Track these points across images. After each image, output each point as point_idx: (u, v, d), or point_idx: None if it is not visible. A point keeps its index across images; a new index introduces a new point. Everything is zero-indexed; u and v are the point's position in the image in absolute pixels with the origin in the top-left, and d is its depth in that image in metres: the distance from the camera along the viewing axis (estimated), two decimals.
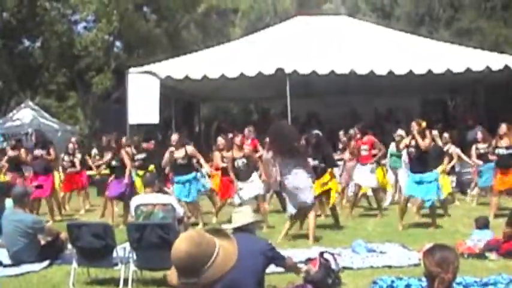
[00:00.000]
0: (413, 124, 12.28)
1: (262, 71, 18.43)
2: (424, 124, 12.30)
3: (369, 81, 19.36)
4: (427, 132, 12.48)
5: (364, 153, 14.69)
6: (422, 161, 12.18)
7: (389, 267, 8.62)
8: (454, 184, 16.96)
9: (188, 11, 33.67)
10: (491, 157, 13.91)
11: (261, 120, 26.55)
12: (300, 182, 11.05)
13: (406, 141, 12.52)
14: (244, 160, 12.90)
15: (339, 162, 15.64)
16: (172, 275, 3.46)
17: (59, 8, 30.34)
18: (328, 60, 18.78)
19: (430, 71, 18.38)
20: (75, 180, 17.04)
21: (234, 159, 12.95)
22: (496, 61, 18.78)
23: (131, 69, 19.65)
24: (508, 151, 13.21)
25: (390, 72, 18.37)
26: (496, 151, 13.48)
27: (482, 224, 10.35)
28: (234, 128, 18.84)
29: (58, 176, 16.82)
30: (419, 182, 12.09)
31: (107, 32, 29.41)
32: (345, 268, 8.54)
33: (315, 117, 23.57)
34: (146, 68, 19.59)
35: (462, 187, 17.80)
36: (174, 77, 19.01)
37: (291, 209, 11.28)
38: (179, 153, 13.38)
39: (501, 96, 25.24)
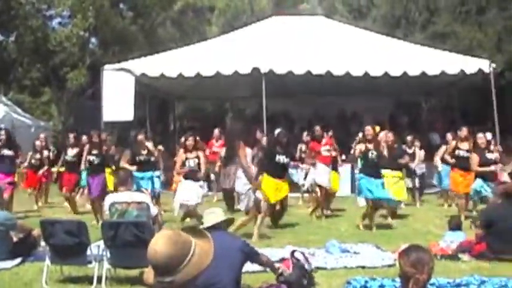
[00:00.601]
0: (368, 128, 12.45)
1: (238, 70, 18.43)
2: (377, 129, 12.48)
3: (344, 82, 19.41)
4: (379, 138, 12.80)
5: (325, 153, 14.76)
6: (378, 166, 12.48)
7: (363, 267, 8.65)
8: (417, 185, 17.07)
9: (164, 8, 33.55)
10: (449, 160, 14.06)
11: (235, 119, 26.61)
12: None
13: (362, 147, 12.62)
14: (196, 160, 12.87)
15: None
16: (148, 273, 3.45)
17: (33, 2, 30.06)
18: (304, 60, 18.81)
19: (405, 73, 18.50)
20: (37, 178, 16.89)
21: (186, 159, 12.91)
22: (470, 65, 18.93)
23: (106, 66, 19.56)
24: (468, 154, 13.33)
25: (366, 74, 18.46)
26: (456, 153, 13.60)
27: (455, 225, 10.45)
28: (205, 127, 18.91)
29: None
30: (377, 185, 12.27)
31: (82, 28, 29.22)
32: (318, 268, 8.56)
33: (289, 117, 23.67)
34: (121, 65, 19.51)
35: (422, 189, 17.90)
36: (149, 75, 18.96)
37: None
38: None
39: (475, 99, 25.51)
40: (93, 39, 32.51)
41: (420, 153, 17.21)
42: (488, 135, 15.26)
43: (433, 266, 4.04)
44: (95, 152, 13.98)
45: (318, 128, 15.30)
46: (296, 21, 23.42)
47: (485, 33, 26.78)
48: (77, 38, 29.21)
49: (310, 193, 15.65)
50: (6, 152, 14.38)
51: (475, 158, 12.89)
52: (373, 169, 12.45)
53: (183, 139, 13.81)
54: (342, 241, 10.36)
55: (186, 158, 12.83)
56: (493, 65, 18.73)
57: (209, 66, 18.71)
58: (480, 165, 12.79)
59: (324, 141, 14.88)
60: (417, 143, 17.27)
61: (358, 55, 19.34)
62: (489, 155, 13.16)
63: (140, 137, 14.25)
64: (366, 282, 7.48)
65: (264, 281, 7.14)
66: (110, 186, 13.81)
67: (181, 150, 13.13)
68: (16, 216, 10.73)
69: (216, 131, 18.16)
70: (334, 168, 14.98)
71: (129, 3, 33.39)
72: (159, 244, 3.27)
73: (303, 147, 16.86)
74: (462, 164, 13.42)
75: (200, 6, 37.67)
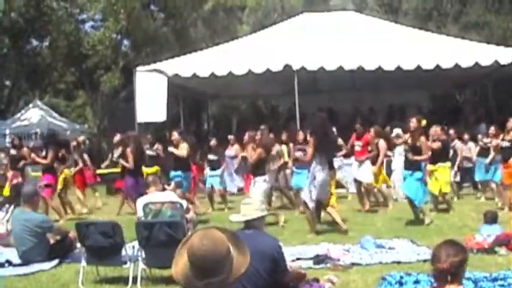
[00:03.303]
0: (414, 120, 12.27)
1: (270, 67, 18.44)
2: (424, 122, 12.31)
3: (377, 76, 19.30)
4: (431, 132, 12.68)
5: (357, 149, 14.76)
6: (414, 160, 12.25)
7: (398, 263, 8.59)
8: (458, 179, 16.86)
9: (195, 8, 33.63)
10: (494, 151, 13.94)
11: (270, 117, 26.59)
12: (322, 178, 11.14)
13: (405, 137, 12.50)
14: None
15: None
16: (180, 274, 3.38)
17: (66, 7, 30.44)
18: (336, 56, 18.75)
19: (438, 66, 18.33)
20: (76, 179, 17.00)
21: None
22: (504, 55, 18.70)
23: (139, 68, 19.71)
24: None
25: (398, 68, 18.34)
26: (504, 145, 13.49)
27: (491, 218, 10.32)
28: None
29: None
30: (418, 179, 12.16)
31: (114, 31, 29.47)
32: (353, 264, 8.55)
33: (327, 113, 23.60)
34: (154, 66, 19.63)
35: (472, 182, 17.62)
36: (181, 75, 19.05)
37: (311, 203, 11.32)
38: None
39: (509, 89, 25.16)
40: (125, 42, 32.74)
41: (470, 147, 16.94)
42: None
43: (461, 259, 4.06)
44: None
45: (358, 125, 15.38)
46: (327, 17, 23.34)
47: None
48: (110, 41, 29.47)
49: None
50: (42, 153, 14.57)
51: None
52: (409, 164, 12.31)
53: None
54: (377, 237, 10.30)
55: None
56: None
57: (241, 64, 18.74)
58: None
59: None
60: (466, 136, 17.01)
61: (390, 49, 19.22)
62: None
63: (174, 137, 14.33)
64: (401, 277, 7.43)
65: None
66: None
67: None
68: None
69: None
70: (373, 163, 14.89)
71: (160, 5, 33.53)
72: (208, 244, 3.23)
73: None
74: (505, 155, 13.32)
75: (231, 5, 37.66)
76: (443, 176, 13.75)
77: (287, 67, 18.30)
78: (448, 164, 14.33)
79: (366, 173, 14.53)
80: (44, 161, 14.54)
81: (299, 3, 37.72)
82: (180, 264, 3.35)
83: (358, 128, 15.24)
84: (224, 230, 3.47)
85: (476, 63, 18.36)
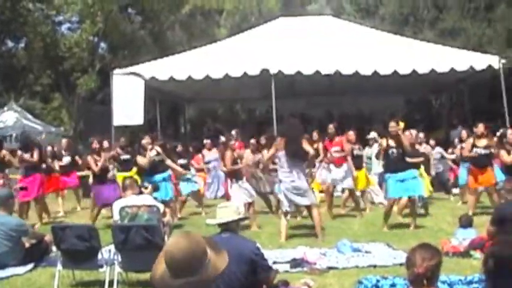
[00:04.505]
0: (392, 124, 12.28)
1: (247, 71, 18.45)
2: (402, 124, 12.35)
3: (353, 81, 19.39)
4: (406, 132, 12.70)
5: (336, 154, 14.70)
6: (403, 160, 12.23)
7: (375, 266, 8.63)
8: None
9: (173, 12, 33.61)
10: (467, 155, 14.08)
11: (247, 121, 26.60)
12: (302, 183, 11.21)
13: (384, 143, 12.47)
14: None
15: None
16: (158, 277, 3.38)
17: (42, 8, 30.23)
18: (313, 60, 18.80)
19: (414, 71, 18.46)
20: (53, 182, 16.84)
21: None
22: (479, 61, 18.88)
23: (116, 71, 19.63)
24: (485, 151, 13.34)
25: (375, 72, 18.43)
26: (474, 150, 13.59)
27: (467, 222, 10.42)
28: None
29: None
30: (403, 181, 12.13)
31: (91, 33, 29.35)
32: (330, 268, 8.57)
33: (300, 118, 23.64)
34: (131, 69, 19.56)
35: (444, 187, 17.82)
36: (159, 78, 19.00)
37: (287, 207, 11.32)
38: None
39: (485, 95, 25.43)
40: (102, 44, 32.61)
41: (439, 151, 17.18)
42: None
43: (436, 263, 4.11)
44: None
45: (331, 126, 15.25)
46: (304, 21, 23.41)
47: (495, 29, 26.71)
48: (87, 43, 29.35)
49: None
50: (24, 154, 14.41)
51: (505, 154, 12.97)
52: (394, 166, 12.31)
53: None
54: (354, 240, 10.35)
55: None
56: (503, 61, 18.67)
57: (218, 68, 18.74)
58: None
59: (336, 140, 14.90)
60: (432, 141, 17.27)
61: (366, 54, 19.31)
62: None
63: (144, 141, 14.26)
64: (378, 281, 7.46)
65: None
66: None
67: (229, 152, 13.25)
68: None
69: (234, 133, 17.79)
70: (359, 167, 14.94)
71: (138, 8, 33.44)
72: (184, 243, 3.24)
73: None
74: (479, 161, 13.43)
75: (208, 9, 37.67)
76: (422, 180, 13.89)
77: (264, 71, 18.32)
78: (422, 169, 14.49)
79: (346, 178, 14.57)
80: (32, 159, 14.42)
81: (276, 7, 37.84)
82: (158, 268, 3.36)
83: (330, 132, 15.27)
84: (201, 235, 3.49)
85: (452, 69, 18.51)
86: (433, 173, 16.89)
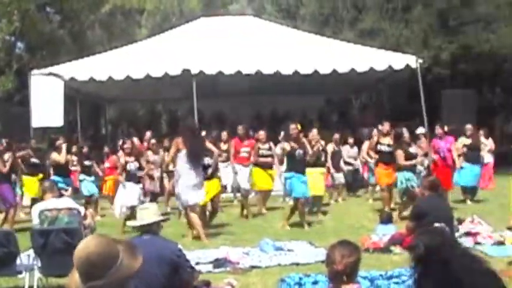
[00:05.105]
0: (293, 127, 12.59)
1: (168, 71, 18.30)
2: (299, 126, 12.63)
3: (275, 81, 19.49)
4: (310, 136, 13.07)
5: (244, 155, 15.00)
6: (304, 161, 12.61)
7: (297, 264, 8.71)
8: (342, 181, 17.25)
9: (93, 11, 33.04)
10: (372, 155, 14.43)
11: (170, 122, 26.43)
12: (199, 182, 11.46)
13: (287, 146, 12.70)
14: (137, 164, 13.27)
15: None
16: (72, 282, 3.31)
17: None
18: (235, 60, 18.79)
19: (334, 71, 18.65)
20: None
21: (126, 162, 13.08)
22: (397, 61, 19.21)
23: (34, 71, 19.17)
24: (389, 148, 13.61)
25: (296, 72, 18.55)
26: (378, 147, 13.87)
27: (386, 218, 10.62)
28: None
29: None
30: (305, 182, 12.38)
31: (7, 33, 28.56)
32: (253, 267, 8.61)
33: (220, 118, 23.69)
34: (50, 69, 19.13)
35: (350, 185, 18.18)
36: (78, 79, 18.65)
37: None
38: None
39: (404, 94, 26.01)
40: (19, 44, 31.77)
41: (351, 151, 17.54)
42: (420, 129, 15.76)
43: (355, 260, 4.15)
44: None
45: (240, 127, 15.68)
46: (225, 21, 23.38)
47: (412, 29, 27.33)
48: (3, 43, 28.55)
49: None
50: None
51: (400, 153, 13.17)
52: (299, 166, 12.52)
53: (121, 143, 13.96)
54: (276, 239, 10.40)
55: (126, 162, 13.04)
56: (420, 61, 19.04)
57: (139, 68, 18.52)
58: (406, 159, 13.10)
59: (246, 142, 15.06)
60: (350, 140, 17.59)
61: (287, 54, 19.41)
62: (412, 149, 13.48)
63: (59, 142, 14.11)
64: (300, 279, 7.53)
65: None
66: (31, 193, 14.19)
67: (121, 154, 13.21)
68: None
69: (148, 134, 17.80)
70: (270, 167, 15.03)
71: (57, 7, 32.74)
72: (92, 245, 3.15)
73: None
74: (384, 158, 13.69)
75: (129, 8, 37.21)
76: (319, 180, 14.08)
77: (185, 71, 18.21)
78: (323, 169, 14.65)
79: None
80: None
81: (198, 7, 37.70)
82: (73, 275, 3.28)
83: (241, 133, 15.43)
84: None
85: (372, 68, 18.79)
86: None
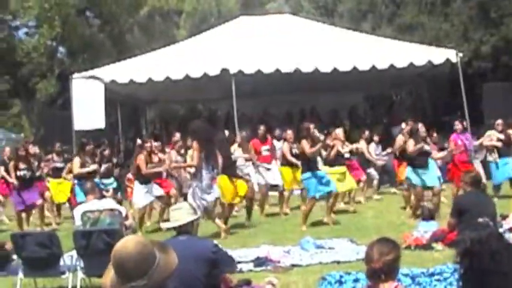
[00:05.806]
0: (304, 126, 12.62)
1: (207, 72, 18.40)
2: (312, 126, 12.55)
3: (314, 78, 19.44)
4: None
5: (265, 153, 15.07)
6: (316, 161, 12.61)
7: (338, 262, 8.68)
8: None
9: (131, 14, 33.41)
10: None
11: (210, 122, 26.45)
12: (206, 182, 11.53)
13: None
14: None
15: None
16: (108, 279, 3.35)
17: None
18: (273, 59, 18.83)
19: (373, 67, 18.56)
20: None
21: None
22: (437, 55, 19.03)
23: (75, 75, 19.43)
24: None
25: (334, 69, 18.50)
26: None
27: (428, 215, 10.51)
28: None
29: None
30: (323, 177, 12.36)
31: (49, 38, 29.03)
32: (294, 265, 8.60)
33: (262, 117, 23.68)
34: (90, 72, 19.38)
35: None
36: (118, 81, 18.86)
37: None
38: None
39: (444, 89, 25.70)
40: (61, 48, 32.29)
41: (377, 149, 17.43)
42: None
43: (394, 258, 4.08)
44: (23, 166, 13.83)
45: (262, 127, 15.70)
46: (263, 20, 23.39)
47: (452, 23, 26.99)
48: (45, 48, 29.02)
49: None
50: None
51: (411, 142, 12.94)
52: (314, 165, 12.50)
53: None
54: (317, 237, 10.38)
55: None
56: (460, 55, 18.84)
57: (178, 69, 18.66)
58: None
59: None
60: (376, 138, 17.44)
61: (326, 51, 19.37)
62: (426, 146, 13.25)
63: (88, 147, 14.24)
64: (341, 277, 7.50)
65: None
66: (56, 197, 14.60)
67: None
68: None
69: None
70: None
71: (96, 11, 33.15)
72: (130, 246, 3.19)
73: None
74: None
75: (167, 10, 37.51)
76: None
77: (224, 71, 18.29)
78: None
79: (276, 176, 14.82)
80: None
81: (235, 7, 37.82)
82: (108, 275, 3.32)
83: (261, 133, 15.51)
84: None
85: (411, 64, 18.66)
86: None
